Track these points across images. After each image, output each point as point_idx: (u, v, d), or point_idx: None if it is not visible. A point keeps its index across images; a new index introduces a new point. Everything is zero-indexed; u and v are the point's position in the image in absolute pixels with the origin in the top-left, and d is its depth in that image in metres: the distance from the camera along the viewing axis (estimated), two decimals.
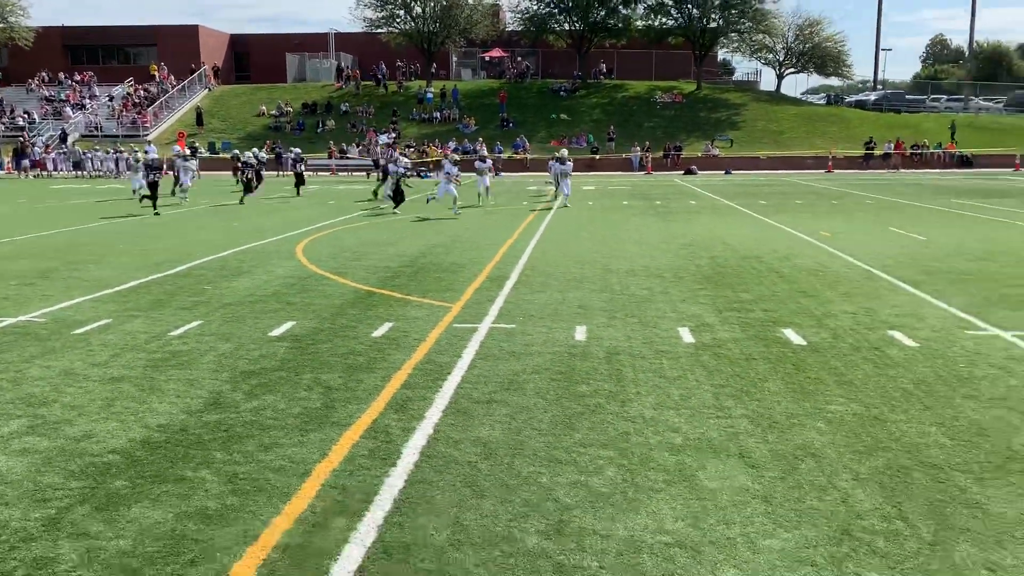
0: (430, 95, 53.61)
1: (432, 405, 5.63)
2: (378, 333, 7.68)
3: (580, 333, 7.68)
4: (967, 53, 73.45)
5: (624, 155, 46.76)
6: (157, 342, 7.38)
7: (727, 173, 42.79)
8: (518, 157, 45.12)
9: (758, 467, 4.57)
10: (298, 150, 30.42)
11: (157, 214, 19.34)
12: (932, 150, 46.35)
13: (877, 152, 46.33)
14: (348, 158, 44.55)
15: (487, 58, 62.64)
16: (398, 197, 20.17)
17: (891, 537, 3.77)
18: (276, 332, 7.75)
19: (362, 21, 55.48)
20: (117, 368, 6.57)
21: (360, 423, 5.30)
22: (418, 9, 55.09)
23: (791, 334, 7.58)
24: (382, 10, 54.94)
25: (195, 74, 55.20)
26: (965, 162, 44.85)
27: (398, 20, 55.59)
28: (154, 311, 8.71)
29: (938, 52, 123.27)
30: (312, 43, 62.03)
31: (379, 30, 55.57)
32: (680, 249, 13.33)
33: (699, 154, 46.97)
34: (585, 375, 6.34)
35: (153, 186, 19.83)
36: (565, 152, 23.99)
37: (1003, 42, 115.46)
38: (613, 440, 4.99)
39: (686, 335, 7.59)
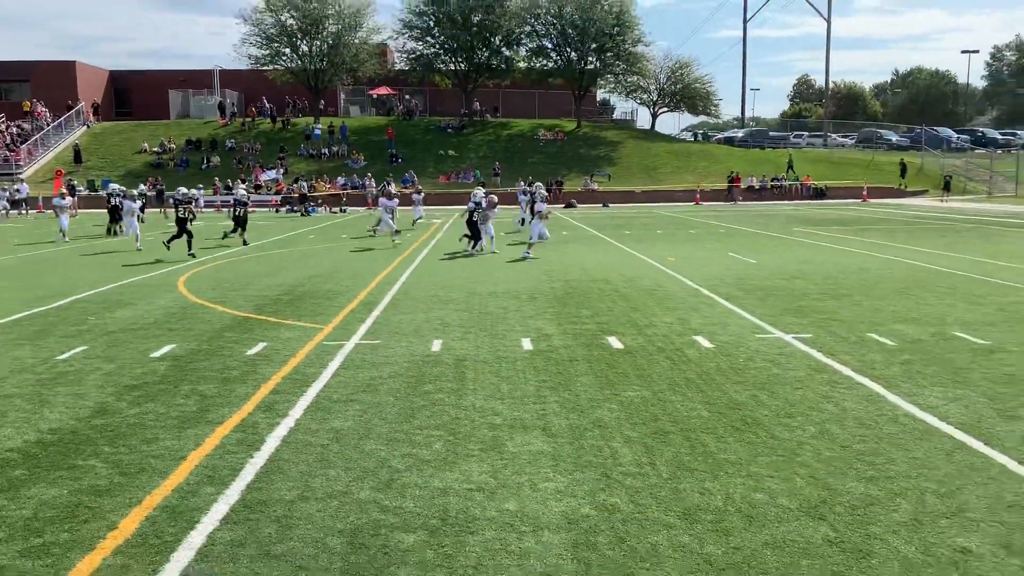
0: (318, 131, 54.15)
1: (295, 406, 6.61)
2: (252, 352, 8.58)
3: (436, 345, 8.80)
4: (826, 93, 79.28)
5: (509, 190, 48.49)
6: (44, 365, 8.05)
7: (605, 206, 45.10)
8: (407, 191, 46.11)
9: (555, 436, 5.78)
10: (242, 190, 29.37)
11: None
12: (790, 183, 50.14)
13: (742, 185, 49.74)
14: (231, 194, 44.45)
15: (375, 95, 63.69)
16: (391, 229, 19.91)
17: (638, 477, 5.02)
18: (157, 353, 8.53)
19: (247, 59, 55.62)
20: (8, 387, 7.24)
21: (231, 421, 6.22)
22: (304, 48, 55.72)
23: (613, 340, 8.92)
24: (267, 48, 55.29)
25: (72, 111, 53.92)
26: (820, 194, 48.73)
27: (284, 58, 56.03)
28: (39, 339, 9.30)
29: (803, 91, 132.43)
30: (196, 80, 61.61)
31: (265, 67, 55.84)
32: (541, 274, 14.68)
33: (579, 188, 49.20)
34: (433, 378, 7.44)
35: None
36: (540, 187, 21.08)
37: (858, 83, 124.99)
38: (445, 423, 6.11)
39: (527, 344, 8.82)
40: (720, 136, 74.76)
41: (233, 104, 59.69)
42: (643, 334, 9.29)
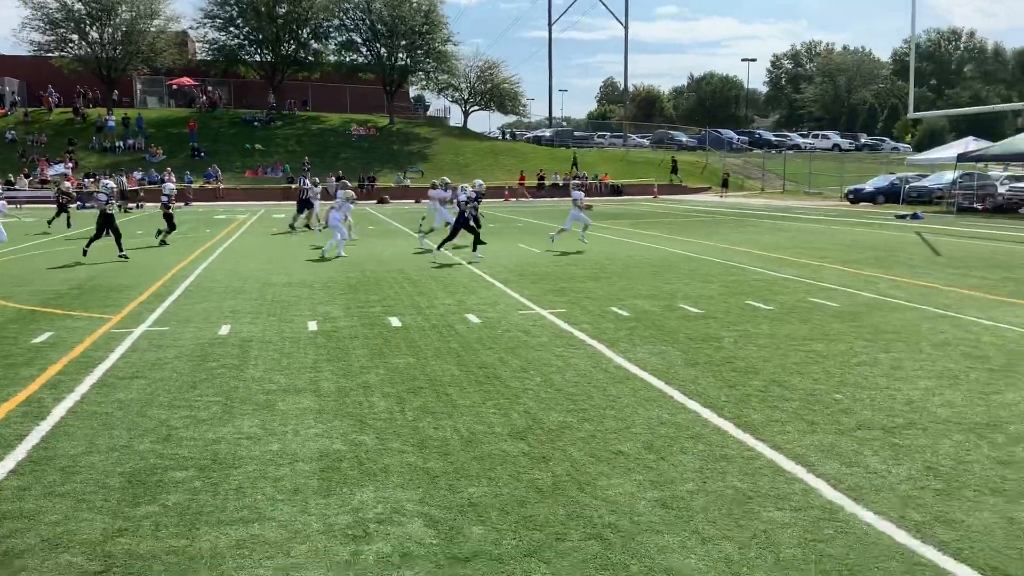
0: (111, 123, 51.29)
1: (82, 383, 7.10)
2: (37, 340, 8.84)
3: (224, 330, 9.42)
4: (626, 96, 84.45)
5: (320, 185, 48.30)
6: None
7: (416, 202, 46.05)
8: (210, 187, 44.88)
9: (323, 396, 6.70)
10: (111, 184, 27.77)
11: None
12: (590, 180, 53.38)
13: (548, 182, 52.39)
14: (16, 189, 41.43)
15: (175, 86, 61.10)
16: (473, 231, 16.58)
17: (387, 420, 6.04)
18: None
19: (29, 44, 51.73)
20: None
21: (16, 398, 6.64)
22: (94, 34, 52.59)
23: (394, 320, 9.94)
24: (52, 34, 51.67)
25: None
26: (616, 191, 52.27)
27: (71, 45, 52.58)
28: None
29: (609, 93, 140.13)
30: None
31: (50, 54, 52.16)
32: (339, 265, 15.44)
33: (392, 184, 49.86)
34: (217, 356, 8.12)
35: None
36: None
37: (656, 86, 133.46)
38: (224, 391, 6.86)
39: (313, 326, 9.65)
40: (529, 135, 77.91)
41: (14, 93, 55.18)
42: (422, 314, 10.37)
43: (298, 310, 10.73)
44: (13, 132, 49.00)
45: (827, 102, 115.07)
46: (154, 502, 4.61)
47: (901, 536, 4.11)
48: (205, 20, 57.20)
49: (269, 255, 17.54)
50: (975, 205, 32.44)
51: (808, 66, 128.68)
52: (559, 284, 12.82)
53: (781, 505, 4.49)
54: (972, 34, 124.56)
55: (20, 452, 5.41)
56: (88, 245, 16.71)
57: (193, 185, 44.16)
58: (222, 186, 45.21)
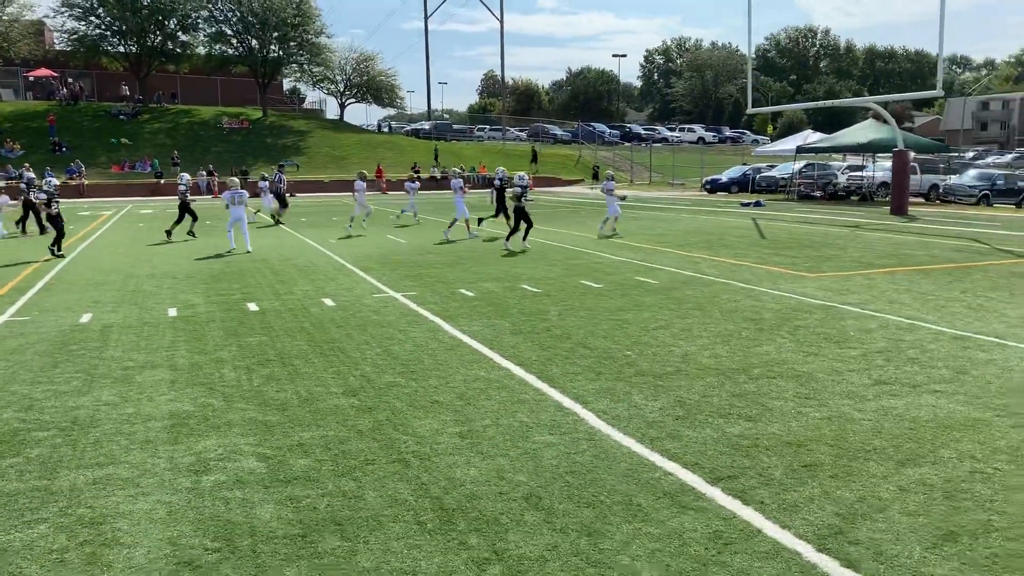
0: None
1: None
2: None
3: (86, 318, 9.89)
4: (504, 90, 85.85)
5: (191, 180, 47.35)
6: None
7: (291, 195, 45.86)
8: (72, 183, 43.30)
9: (178, 370, 7.41)
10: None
11: None
12: (468, 173, 54.47)
13: (424, 175, 53.09)
14: None
15: (32, 78, 58.20)
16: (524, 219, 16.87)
17: (235, 387, 6.84)
18: None
19: None
20: None
21: None
22: None
23: (252, 305, 10.63)
24: None
25: None
26: (489, 183, 53.54)
27: None
28: None
29: (490, 86, 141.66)
30: None
31: None
32: (201, 257, 15.85)
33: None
34: (79, 341, 8.65)
35: None
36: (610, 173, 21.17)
37: (535, 80, 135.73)
38: (84, 369, 7.46)
39: (172, 312, 10.23)
40: (408, 128, 78.28)
41: None
42: (280, 299, 11.11)
43: (159, 299, 11.25)
44: None
45: (696, 96, 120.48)
46: (18, 455, 5.29)
47: (637, 447, 5.30)
48: (63, 8, 54.74)
49: (130, 249, 17.68)
50: (815, 193, 35.39)
51: (678, 62, 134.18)
52: (417, 270, 13.76)
53: (553, 431, 5.62)
54: (827, 32, 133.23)
55: None
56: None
57: (55, 181, 42.44)
58: (86, 182, 43.68)
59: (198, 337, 8.79)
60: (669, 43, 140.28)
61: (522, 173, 18.20)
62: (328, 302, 10.85)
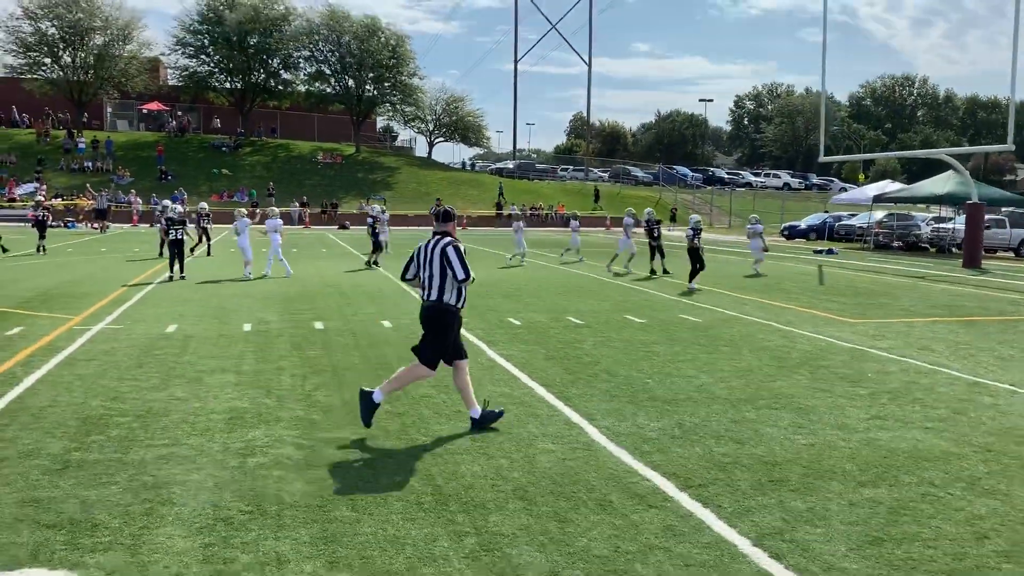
0: (81, 145, 52.56)
1: (48, 363, 8.73)
2: (10, 333, 10.44)
3: (171, 328, 11.08)
4: (588, 132, 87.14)
5: (283, 209, 49.93)
6: None
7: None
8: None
9: (243, 374, 8.38)
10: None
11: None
12: (546, 211, 55.60)
13: (505, 212, 54.43)
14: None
15: (145, 110, 62.53)
16: None
17: (288, 391, 7.75)
18: None
19: (1, 67, 53.02)
20: None
21: None
22: (67, 59, 53.99)
23: (318, 324, 11.66)
24: (25, 57, 53.00)
25: None
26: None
27: (44, 68, 53.94)
28: None
29: (578, 127, 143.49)
30: None
31: (21, 76, 53.45)
32: (283, 281, 17.12)
33: (355, 211, 51.54)
34: (162, 347, 9.79)
35: None
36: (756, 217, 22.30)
37: (621, 122, 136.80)
38: (164, 370, 8.52)
39: (247, 327, 11.34)
40: (492, 167, 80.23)
41: None
42: (345, 320, 12.11)
43: (239, 316, 12.41)
44: None
45: (785, 142, 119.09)
46: (101, 434, 6.29)
47: (627, 458, 5.92)
48: (177, 47, 58.93)
49: (223, 271, 19.16)
50: (893, 244, 34.89)
51: (769, 107, 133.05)
52: (473, 301, 14.55)
53: (555, 441, 6.29)
54: (925, 80, 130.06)
55: (5, 399, 7.05)
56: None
57: (180, 208, 45.46)
58: (187, 208, 46.52)
59: (265, 349, 9.81)
60: (760, 88, 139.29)
61: (650, 209, 20.57)
62: (386, 324, 11.78)
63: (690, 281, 17.13)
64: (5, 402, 7.14)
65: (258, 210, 21.43)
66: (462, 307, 6.71)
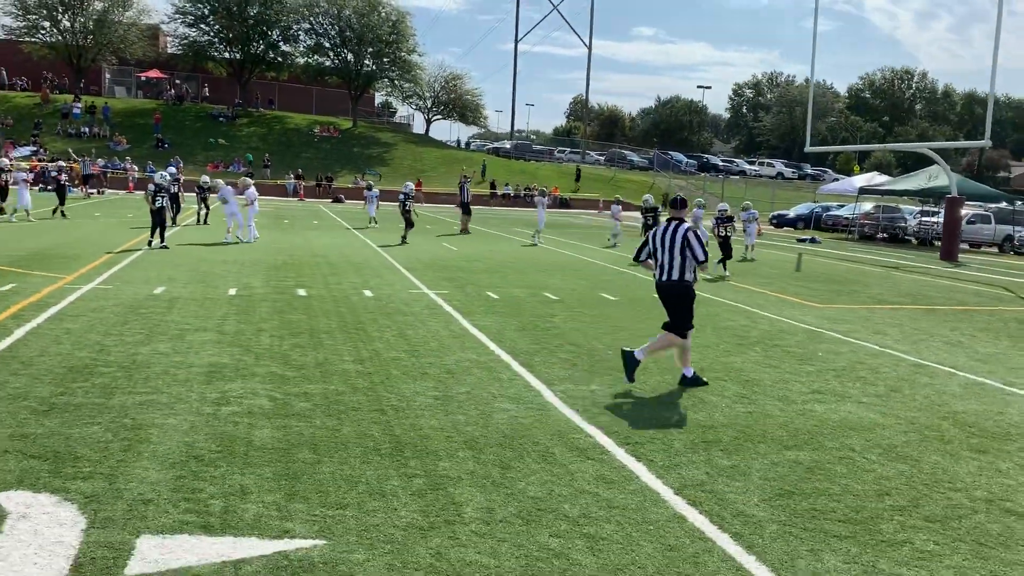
0: (77, 111, 52.62)
1: (39, 317, 9.13)
2: (3, 289, 10.83)
3: (158, 290, 11.48)
4: (586, 115, 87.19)
5: (279, 182, 50.18)
6: None
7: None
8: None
9: (224, 334, 8.81)
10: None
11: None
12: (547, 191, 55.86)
13: (499, 192, 54.75)
14: None
15: (144, 78, 62.48)
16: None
17: (267, 350, 8.18)
18: None
19: (0, 28, 52.94)
20: None
21: None
22: (66, 22, 53.92)
23: (301, 291, 12.07)
24: (23, 20, 52.91)
25: None
26: (564, 204, 54.79)
27: (43, 31, 53.87)
28: None
29: (578, 109, 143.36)
30: None
31: (20, 40, 53.37)
32: (272, 250, 17.51)
33: (349, 185, 51.77)
34: (148, 306, 10.19)
35: None
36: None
37: (619, 107, 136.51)
38: (148, 327, 8.94)
39: (232, 291, 11.75)
40: (489, 146, 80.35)
41: None
42: (328, 288, 12.53)
43: (225, 280, 12.81)
44: None
45: (783, 132, 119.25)
46: (86, 382, 6.72)
47: (575, 418, 6.37)
48: (177, 16, 58.85)
49: (213, 237, 19.53)
50: (879, 235, 35.37)
51: (768, 96, 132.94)
52: (457, 275, 15.05)
53: (512, 401, 6.74)
54: (924, 75, 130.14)
55: None
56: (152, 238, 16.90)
57: (154, 174, 45.66)
58: (183, 178, 46.69)
59: (248, 311, 10.23)
60: (760, 77, 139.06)
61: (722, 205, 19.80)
62: (367, 293, 12.20)
63: (724, 268, 17.02)
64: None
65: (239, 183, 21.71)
66: (696, 282, 7.71)
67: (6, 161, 24.73)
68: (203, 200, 25.03)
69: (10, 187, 22.63)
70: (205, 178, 26.22)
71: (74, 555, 3.81)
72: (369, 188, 30.52)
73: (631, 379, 7.47)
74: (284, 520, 4.27)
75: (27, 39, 53.41)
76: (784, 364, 8.70)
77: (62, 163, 31.56)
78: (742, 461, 5.54)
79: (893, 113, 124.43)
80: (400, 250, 19.13)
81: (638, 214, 23.21)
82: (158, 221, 16.94)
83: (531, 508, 4.59)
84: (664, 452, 5.65)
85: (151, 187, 16.89)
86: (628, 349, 7.62)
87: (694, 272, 7.60)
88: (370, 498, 4.62)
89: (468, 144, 78.35)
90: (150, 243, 16.89)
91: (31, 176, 41.43)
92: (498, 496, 4.74)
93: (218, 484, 4.71)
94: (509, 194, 54.97)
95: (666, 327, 7.62)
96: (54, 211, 24.18)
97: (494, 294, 12.78)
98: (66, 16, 53.71)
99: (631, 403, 6.89)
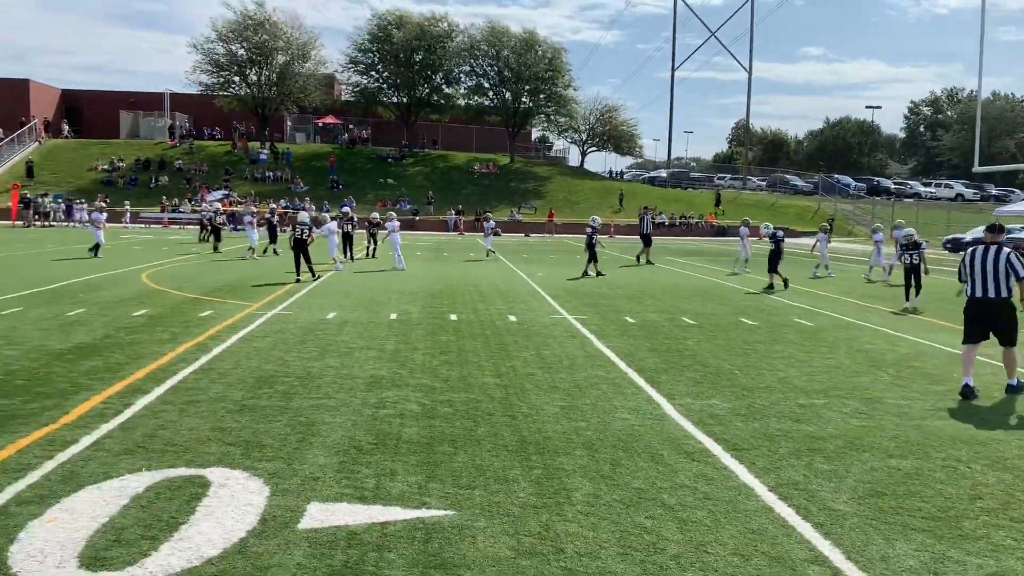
0: (264, 156, 57.80)
1: (232, 337, 10.69)
2: (202, 314, 12.63)
3: (331, 315, 12.95)
4: (747, 139, 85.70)
5: (440, 217, 52.85)
6: (56, 319, 11.98)
7: (526, 236, 49.65)
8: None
9: (384, 352, 9.97)
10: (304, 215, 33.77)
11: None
12: (695, 220, 55.55)
13: (656, 221, 54.92)
14: (180, 212, 47.96)
15: (321, 124, 67.69)
16: None
17: (421, 366, 9.23)
18: (138, 313, 12.52)
19: (197, 85, 59.19)
20: (31, 327, 11.17)
21: (191, 342, 10.28)
22: (253, 76, 59.54)
23: (452, 316, 13.19)
24: (217, 76, 58.90)
25: (25, 127, 56.72)
26: (721, 231, 54.14)
27: (233, 86, 59.73)
28: (51, 303, 13.20)
29: (740, 134, 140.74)
30: (147, 101, 64.88)
31: (214, 94, 59.45)
32: (430, 280, 18.93)
33: (506, 219, 53.68)
34: (322, 329, 11.59)
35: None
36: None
37: (783, 130, 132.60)
38: (322, 346, 10.25)
39: (393, 316, 13.04)
40: (644, 176, 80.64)
41: (182, 126, 63.07)
42: (476, 313, 13.59)
43: (388, 307, 14.17)
44: (180, 161, 56.26)
45: (966, 150, 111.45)
46: (270, 388, 7.98)
47: (689, 427, 6.91)
48: (349, 65, 63.53)
49: (375, 273, 21.27)
50: None
51: (949, 113, 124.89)
52: (597, 301, 15.75)
53: (632, 412, 7.37)
54: None
55: (195, 366, 8.95)
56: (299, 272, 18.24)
57: (330, 214, 49.40)
58: (355, 217, 50.25)
59: (405, 333, 11.41)
60: (939, 93, 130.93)
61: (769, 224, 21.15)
62: (512, 318, 13.14)
63: (916, 297, 16.02)
64: (199, 364, 9.03)
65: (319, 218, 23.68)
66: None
67: (218, 205, 27.68)
68: (372, 236, 27.10)
69: (224, 228, 25.24)
70: (375, 214, 28.35)
71: (261, 513, 4.84)
72: (487, 220, 30.85)
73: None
74: (423, 495, 5.15)
75: (220, 93, 59.40)
76: (913, 384, 8.78)
77: (273, 205, 34.80)
78: (842, 466, 5.90)
79: None
80: (549, 279, 20.04)
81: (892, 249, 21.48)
82: (298, 253, 17.91)
83: (633, 496, 5.23)
84: (768, 457, 6.10)
85: (298, 228, 18.12)
86: (1011, 383, 8.55)
87: (1009, 288, 8.40)
88: (495, 482, 5.42)
89: (622, 174, 78.88)
90: (298, 280, 17.81)
91: (255, 219, 46.08)
92: (605, 486, 5.41)
93: (372, 467, 5.67)
94: (663, 223, 54.96)
95: (1003, 343, 8.47)
96: (264, 250, 26.45)
97: (631, 319, 13.37)
98: (253, 70, 59.33)
99: (746, 416, 7.33)
